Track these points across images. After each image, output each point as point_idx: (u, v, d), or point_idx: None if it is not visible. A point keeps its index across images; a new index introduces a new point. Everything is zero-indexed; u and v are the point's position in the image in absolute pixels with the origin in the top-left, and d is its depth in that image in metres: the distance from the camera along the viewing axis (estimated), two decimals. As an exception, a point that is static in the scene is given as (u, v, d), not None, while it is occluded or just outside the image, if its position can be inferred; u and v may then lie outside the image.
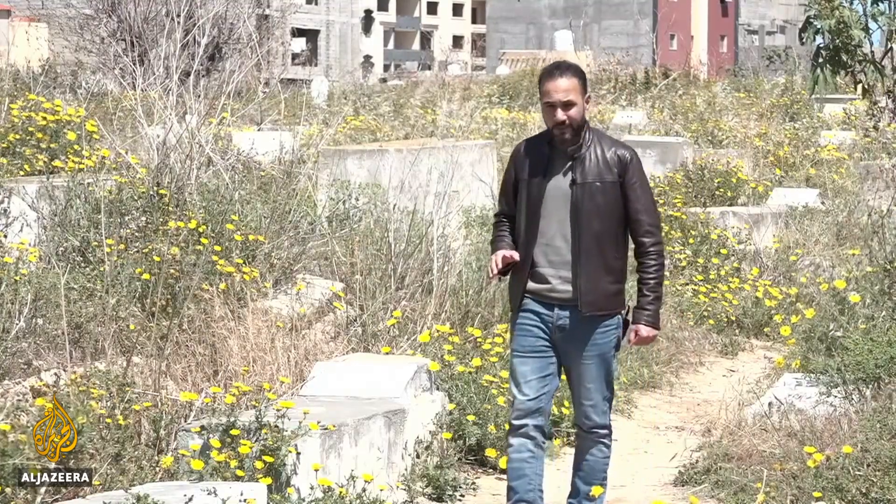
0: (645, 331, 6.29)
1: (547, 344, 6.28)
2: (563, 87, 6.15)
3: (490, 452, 7.75)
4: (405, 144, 12.43)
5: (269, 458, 6.30)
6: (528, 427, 6.32)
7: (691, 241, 12.86)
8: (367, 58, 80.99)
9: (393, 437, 7.18)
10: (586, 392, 6.35)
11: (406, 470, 7.27)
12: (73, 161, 10.51)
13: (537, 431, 6.33)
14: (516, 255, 6.24)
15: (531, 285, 6.27)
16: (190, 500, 5.51)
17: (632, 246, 6.39)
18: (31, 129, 11.15)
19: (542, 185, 6.23)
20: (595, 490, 6.42)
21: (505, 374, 7.73)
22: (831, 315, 9.15)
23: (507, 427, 6.54)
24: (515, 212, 6.35)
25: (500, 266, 6.23)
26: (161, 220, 9.46)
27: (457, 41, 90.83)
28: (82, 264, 9.07)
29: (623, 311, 6.34)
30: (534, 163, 6.28)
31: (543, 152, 6.28)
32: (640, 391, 9.86)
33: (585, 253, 6.17)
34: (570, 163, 6.21)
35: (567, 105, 6.15)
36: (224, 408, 6.81)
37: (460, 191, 11.24)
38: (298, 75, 39.81)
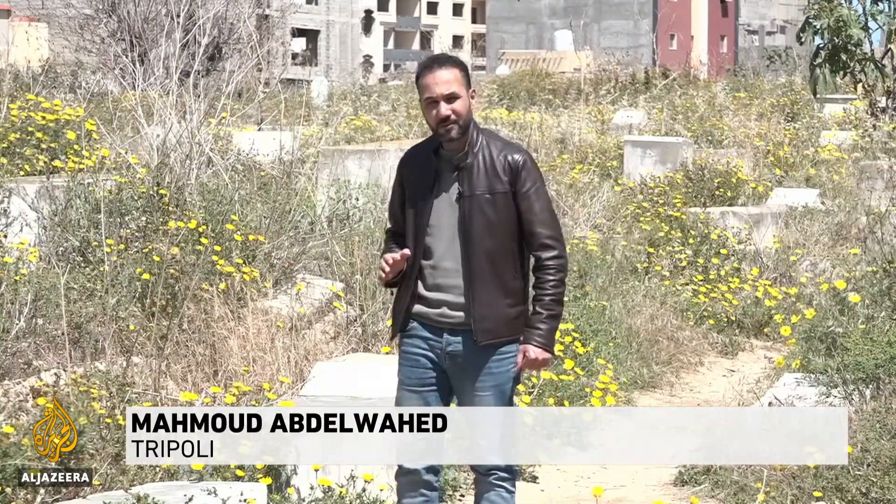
0: (533, 352, 5.48)
1: (434, 376, 5.58)
2: (444, 78, 5.47)
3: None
4: (405, 144, 12.41)
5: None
6: (419, 472, 5.62)
7: (691, 241, 12.87)
8: (367, 58, 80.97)
9: (393, 437, 7.16)
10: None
11: (406, 470, 7.25)
12: (73, 161, 10.52)
13: (430, 473, 5.63)
14: (406, 252, 5.53)
15: (418, 308, 5.56)
16: (190, 500, 5.51)
17: None
18: (30, 128, 11.16)
19: (427, 199, 5.53)
20: None
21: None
22: (831, 315, 9.14)
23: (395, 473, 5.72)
24: (404, 228, 5.65)
25: (389, 266, 5.55)
26: (161, 220, 9.46)
27: (457, 41, 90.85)
28: (82, 264, 9.08)
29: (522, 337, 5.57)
30: (419, 175, 5.58)
31: (429, 162, 5.57)
32: (640, 391, 9.86)
33: (479, 275, 5.47)
34: (456, 173, 5.52)
35: (450, 98, 5.46)
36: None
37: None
38: (298, 75, 39.81)
